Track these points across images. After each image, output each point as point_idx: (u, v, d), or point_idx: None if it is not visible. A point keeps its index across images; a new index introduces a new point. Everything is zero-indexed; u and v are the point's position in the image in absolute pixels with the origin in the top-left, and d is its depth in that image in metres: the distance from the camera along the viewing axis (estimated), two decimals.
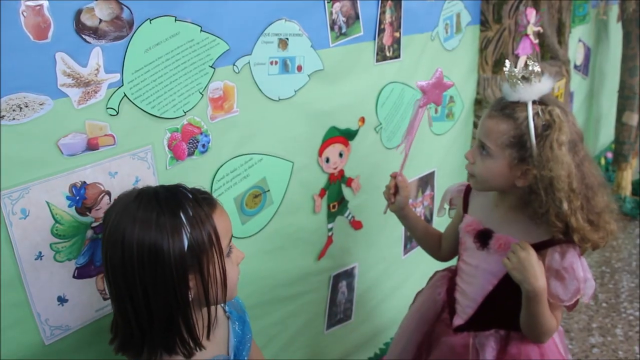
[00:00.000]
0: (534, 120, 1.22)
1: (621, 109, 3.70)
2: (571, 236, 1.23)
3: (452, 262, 1.77)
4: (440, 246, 1.61)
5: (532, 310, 1.27)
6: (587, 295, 1.26)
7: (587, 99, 3.85)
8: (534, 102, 1.24)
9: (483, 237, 1.37)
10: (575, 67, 3.43)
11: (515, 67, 1.27)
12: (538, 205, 1.23)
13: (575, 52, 3.36)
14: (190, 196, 0.97)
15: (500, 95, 1.32)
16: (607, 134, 4.19)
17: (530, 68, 1.24)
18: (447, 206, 1.59)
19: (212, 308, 1.01)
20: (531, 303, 1.26)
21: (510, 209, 1.35)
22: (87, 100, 1.06)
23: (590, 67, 3.75)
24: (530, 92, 1.24)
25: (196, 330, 0.97)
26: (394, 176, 1.57)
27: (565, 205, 1.19)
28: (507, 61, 1.31)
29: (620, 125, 3.71)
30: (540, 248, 1.28)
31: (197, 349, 0.98)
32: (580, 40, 3.42)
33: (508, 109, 1.26)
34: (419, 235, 1.63)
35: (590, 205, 1.24)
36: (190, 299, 0.94)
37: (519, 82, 1.24)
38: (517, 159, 1.25)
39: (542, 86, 1.25)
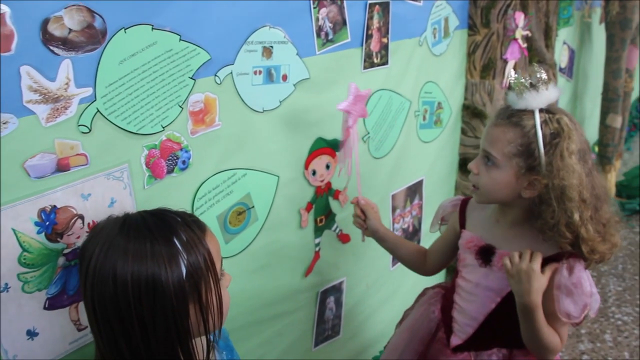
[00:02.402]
0: (542, 128, 1.18)
1: (605, 112, 3.71)
2: (579, 247, 1.19)
3: (441, 278, 1.73)
4: (425, 261, 1.56)
5: (526, 324, 1.24)
6: (594, 310, 1.23)
7: (571, 102, 3.84)
8: (540, 111, 1.20)
9: (485, 254, 1.32)
10: (560, 69, 3.41)
11: (510, 74, 1.24)
12: (550, 216, 1.18)
13: (560, 55, 3.33)
14: (180, 220, 0.92)
15: (493, 101, 1.29)
16: (590, 136, 4.19)
17: (538, 75, 1.20)
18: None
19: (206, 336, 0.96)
20: (523, 316, 1.24)
21: (513, 223, 1.30)
22: (56, 117, 0.97)
23: (574, 70, 3.74)
24: (538, 100, 1.20)
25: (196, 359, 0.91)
26: (355, 202, 1.55)
27: (576, 216, 1.16)
28: (512, 71, 1.27)
29: (604, 127, 3.72)
30: (545, 263, 1.24)
31: None
32: (564, 43, 3.40)
33: (515, 117, 1.22)
34: (402, 253, 1.58)
35: (598, 216, 1.21)
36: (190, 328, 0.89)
37: (527, 89, 1.20)
38: (525, 168, 1.21)
39: (550, 94, 1.21)
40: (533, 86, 1.21)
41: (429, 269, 1.56)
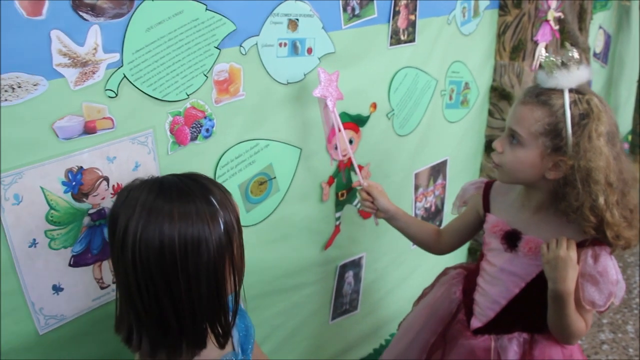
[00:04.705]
0: (571, 108, 1.16)
1: None
2: (604, 232, 1.17)
3: (453, 258, 1.73)
4: (439, 240, 1.54)
5: (555, 310, 1.24)
6: (619, 298, 1.22)
7: (605, 88, 3.75)
8: (570, 91, 1.18)
9: (511, 239, 1.31)
10: (595, 54, 3.33)
11: (542, 52, 1.22)
12: (574, 199, 1.17)
13: (595, 40, 3.26)
14: (209, 181, 0.96)
15: (522, 83, 1.27)
16: (624, 124, 4.09)
17: (570, 54, 1.18)
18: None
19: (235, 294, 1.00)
20: (554, 302, 1.23)
21: (538, 208, 1.29)
22: (84, 81, 1.01)
23: (610, 55, 3.65)
24: (568, 79, 1.17)
25: (229, 317, 0.96)
26: (358, 185, 1.52)
27: (601, 200, 1.14)
28: (543, 50, 1.25)
29: (638, 116, 3.63)
30: None
31: (228, 336, 0.97)
32: (600, 27, 3.31)
33: (543, 95, 1.19)
34: (414, 231, 1.54)
35: (625, 201, 1.18)
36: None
37: (558, 68, 1.17)
38: (551, 148, 1.18)
39: (581, 74, 1.18)
40: (564, 65, 1.18)
41: (443, 248, 1.55)
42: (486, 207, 1.42)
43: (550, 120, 1.18)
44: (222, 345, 0.96)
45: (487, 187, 1.44)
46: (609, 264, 1.22)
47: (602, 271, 1.21)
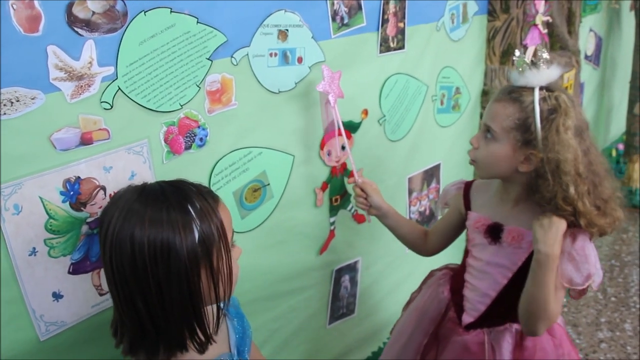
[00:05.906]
0: (540, 104, 1.22)
1: (633, 100, 3.64)
2: (578, 220, 1.21)
3: (449, 260, 1.75)
4: (426, 242, 1.59)
5: (536, 279, 1.23)
6: (596, 283, 1.25)
7: (598, 90, 3.79)
8: (541, 89, 1.24)
9: (494, 232, 1.36)
10: (586, 57, 3.37)
11: (515, 53, 1.29)
12: (546, 190, 1.22)
13: (586, 42, 3.30)
14: (195, 190, 0.96)
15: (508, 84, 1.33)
16: (618, 125, 4.14)
17: (539, 54, 1.25)
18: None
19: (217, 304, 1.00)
20: (538, 268, 1.23)
21: (516, 201, 1.34)
22: (80, 94, 1.04)
23: (602, 58, 3.69)
24: (538, 78, 1.25)
25: (207, 324, 0.96)
26: (353, 182, 1.57)
27: (572, 190, 1.19)
28: (516, 50, 1.32)
29: (631, 116, 3.66)
30: None
31: (209, 343, 0.98)
32: (591, 30, 3.36)
33: (515, 93, 1.27)
34: (404, 232, 1.59)
35: (597, 191, 1.23)
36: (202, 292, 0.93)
37: (528, 67, 1.25)
38: (521, 142, 1.25)
39: (550, 73, 1.26)
40: (534, 64, 1.25)
41: (430, 250, 1.59)
42: (467, 206, 1.46)
43: (520, 116, 1.24)
44: (201, 351, 0.97)
45: (467, 187, 1.49)
46: (588, 246, 1.25)
47: (579, 250, 1.24)
